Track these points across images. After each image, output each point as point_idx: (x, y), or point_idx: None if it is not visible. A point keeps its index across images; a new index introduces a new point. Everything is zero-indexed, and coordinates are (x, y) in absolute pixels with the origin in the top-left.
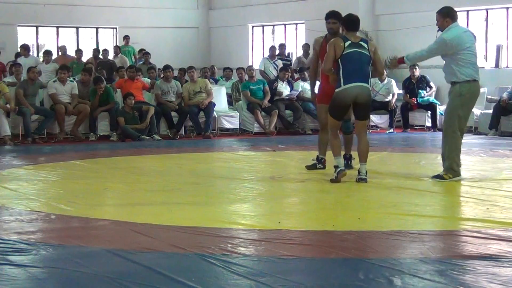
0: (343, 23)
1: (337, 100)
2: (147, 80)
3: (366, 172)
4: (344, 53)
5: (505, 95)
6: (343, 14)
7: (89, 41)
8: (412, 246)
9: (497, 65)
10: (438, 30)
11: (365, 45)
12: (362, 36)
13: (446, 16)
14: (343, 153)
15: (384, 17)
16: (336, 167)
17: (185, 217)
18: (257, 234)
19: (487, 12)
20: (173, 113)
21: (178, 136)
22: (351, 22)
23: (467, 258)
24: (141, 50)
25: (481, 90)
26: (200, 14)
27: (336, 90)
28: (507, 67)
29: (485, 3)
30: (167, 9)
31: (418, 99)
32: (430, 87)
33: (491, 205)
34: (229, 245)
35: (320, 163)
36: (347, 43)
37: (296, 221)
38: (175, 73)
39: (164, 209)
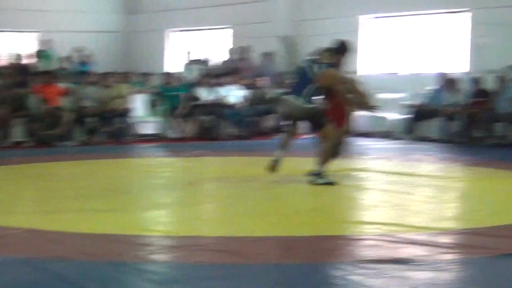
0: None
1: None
2: (64, 85)
3: (319, 174)
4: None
5: (420, 101)
6: (267, 21)
7: (9, 45)
8: (327, 251)
9: (413, 71)
10: None
11: (316, 68)
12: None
13: None
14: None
15: (306, 23)
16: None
17: (99, 224)
18: (172, 241)
19: (408, 18)
20: (90, 119)
21: (95, 142)
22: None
23: (381, 262)
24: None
25: (397, 95)
26: (120, 18)
27: None
28: (423, 73)
29: (407, 9)
30: (88, 13)
31: None
32: None
33: (404, 209)
34: (143, 252)
35: None
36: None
37: (212, 227)
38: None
39: (79, 216)
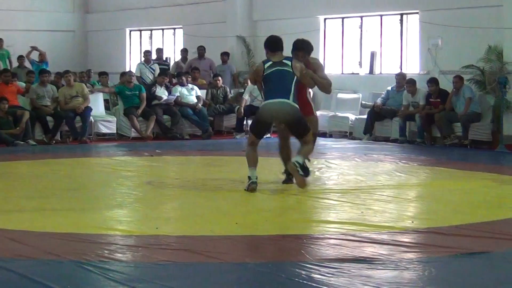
0: (265, 45)
1: (257, 116)
2: (22, 84)
3: (302, 164)
4: (264, 74)
5: (378, 101)
6: (222, 21)
7: None
8: (289, 250)
9: (371, 72)
10: None
11: (288, 63)
12: (285, 56)
13: None
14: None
15: (261, 23)
16: (249, 178)
17: (61, 224)
18: (134, 240)
19: (361, 19)
20: (49, 118)
21: (54, 141)
22: (272, 43)
23: (343, 261)
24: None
25: (355, 95)
26: (77, 17)
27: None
28: (380, 73)
29: (360, 11)
30: (43, 12)
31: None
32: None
33: (365, 209)
34: (106, 251)
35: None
36: (267, 64)
37: (173, 226)
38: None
39: (40, 215)
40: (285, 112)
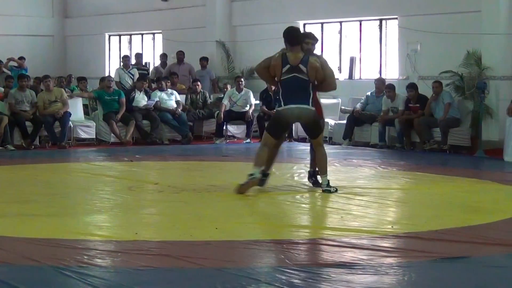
0: (284, 38)
1: (276, 118)
2: (0, 90)
3: (328, 183)
4: (282, 78)
5: (358, 106)
6: (202, 26)
7: None
8: (269, 255)
9: (350, 77)
10: None
11: (304, 69)
12: (302, 55)
13: None
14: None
15: (241, 28)
16: (250, 174)
17: (40, 229)
18: (113, 245)
19: (341, 24)
20: (28, 123)
21: (33, 146)
22: (291, 37)
23: (322, 266)
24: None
25: (335, 101)
26: (56, 22)
27: (277, 108)
28: (360, 78)
29: (339, 16)
30: (21, 16)
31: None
32: None
33: (345, 214)
34: (85, 257)
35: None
36: (285, 68)
37: (153, 231)
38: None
39: (18, 220)
40: (306, 116)
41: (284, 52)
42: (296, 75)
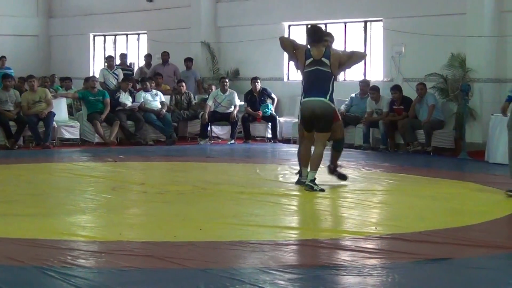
0: (306, 36)
1: (300, 113)
2: None
3: (313, 180)
4: (304, 70)
5: (342, 108)
6: (187, 27)
7: None
8: (253, 256)
9: (335, 78)
10: None
11: (327, 61)
12: (324, 47)
13: None
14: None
15: (226, 29)
16: (299, 173)
17: (24, 229)
18: (97, 245)
19: (325, 26)
20: (11, 123)
21: (17, 146)
22: (313, 35)
23: (306, 267)
24: None
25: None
26: (40, 22)
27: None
28: (344, 80)
29: (324, 18)
30: (5, 16)
31: (262, 111)
32: (272, 99)
33: (329, 215)
34: (69, 257)
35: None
36: (308, 61)
37: (137, 232)
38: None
39: (1, 221)
40: (322, 109)
41: (307, 48)
42: (319, 68)
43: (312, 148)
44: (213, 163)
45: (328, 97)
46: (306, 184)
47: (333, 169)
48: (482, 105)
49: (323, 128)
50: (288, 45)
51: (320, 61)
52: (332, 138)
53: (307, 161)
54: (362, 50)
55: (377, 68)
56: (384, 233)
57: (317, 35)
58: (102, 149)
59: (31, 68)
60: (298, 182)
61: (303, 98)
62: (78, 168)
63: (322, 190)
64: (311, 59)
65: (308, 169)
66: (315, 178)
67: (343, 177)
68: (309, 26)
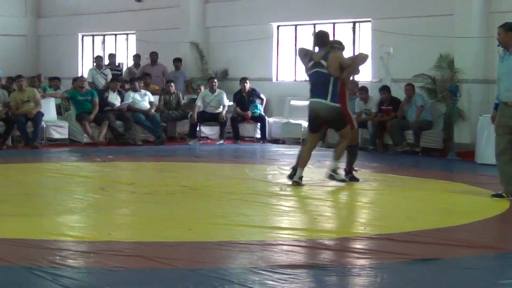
0: (313, 40)
1: (308, 113)
2: None
3: (335, 170)
4: (307, 73)
5: None
6: (176, 27)
7: None
8: (241, 256)
9: None
10: (499, 45)
11: (324, 63)
12: (325, 50)
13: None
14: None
15: (215, 30)
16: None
17: (12, 229)
18: (86, 246)
19: (314, 26)
20: (0, 123)
21: (5, 146)
22: (317, 39)
23: (295, 268)
24: None
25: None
26: (29, 22)
27: None
28: None
29: (313, 18)
30: None
31: (251, 111)
32: (261, 99)
33: (318, 215)
34: (58, 257)
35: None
36: (310, 63)
37: (126, 232)
38: (3, 81)
39: None
40: (324, 111)
41: (313, 52)
42: (318, 70)
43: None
44: (202, 163)
45: (329, 98)
46: (328, 174)
47: (347, 172)
48: (470, 105)
49: (338, 127)
50: (302, 54)
51: (319, 63)
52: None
53: (305, 162)
54: (366, 52)
55: (365, 68)
56: (373, 234)
57: (319, 40)
58: (90, 149)
59: (19, 68)
60: (289, 177)
61: (310, 98)
62: (67, 168)
63: (344, 180)
64: (312, 62)
65: (332, 160)
66: (337, 168)
67: (355, 180)
68: (317, 31)
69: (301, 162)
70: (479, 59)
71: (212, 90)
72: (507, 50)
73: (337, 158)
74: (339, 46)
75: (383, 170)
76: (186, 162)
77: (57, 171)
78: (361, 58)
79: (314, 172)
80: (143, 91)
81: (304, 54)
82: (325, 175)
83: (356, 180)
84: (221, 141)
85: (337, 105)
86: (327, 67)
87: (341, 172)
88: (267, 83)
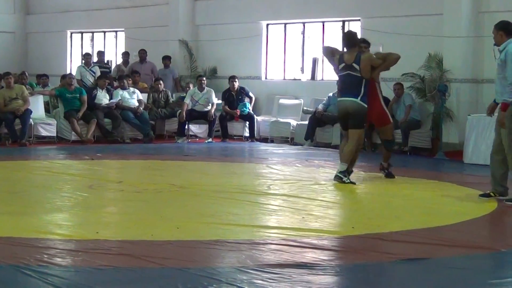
0: (343, 40)
1: (338, 112)
2: None
3: (343, 172)
4: (338, 74)
5: (320, 107)
6: (165, 25)
7: None
8: (230, 255)
9: (313, 78)
10: (495, 45)
11: (357, 67)
12: (356, 52)
13: (500, 29)
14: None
15: (204, 27)
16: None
17: (0, 227)
18: (74, 244)
19: (304, 25)
20: None
21: None
22: (347, 40)
23: (284, 267)
24: None
25: (297, 101)
26: (17, 18)
27: None
28: (322, 79)
29: (302, 17)
30: None
31: (240, 110)
32: (250, 98)
33: (306, 214)
34: (45, 256)
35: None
36: (341, 65)
37: (114, 231)
38: None
39: None
40: (353, 107)
41: (342, 53)
42: (350, 72)
43: None
44: (191, 162)
45: (359, 98)
46: (336, 175)
47: (383, 167)
48: (459, 105)
49: (354, 124)
50: (329, 53)
51: (351, 66)
52: (383, 138)
53: (347, 159)
54: (394, 55)
55: None
56: (361, 233)
57: (349, 41)
58: (79, 147)
59: (7, 65)
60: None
61: (338, 98)
62: (54, 166)
63: (353, 183)
64: (343, 64)
65: (339, 161)
66: (345, 171)
67: (390, 176)
68: (347, 32)
69: (342, 157)
70: (468, 59)
71: (201, 88)
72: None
73: (344, 161)
74: (366, 45)
75: (371, 169)
76: (174, 160)
77: (45, 168)
78: (393, 60)
79: (301, 171)
80: (131, 88)
81: (332, 54)
82: (334, 177)
83: (392, 176)
84: (210, 140)
85: (365, 105)
86: (360, 70)
87: (349, 174)
88: (256, 81)
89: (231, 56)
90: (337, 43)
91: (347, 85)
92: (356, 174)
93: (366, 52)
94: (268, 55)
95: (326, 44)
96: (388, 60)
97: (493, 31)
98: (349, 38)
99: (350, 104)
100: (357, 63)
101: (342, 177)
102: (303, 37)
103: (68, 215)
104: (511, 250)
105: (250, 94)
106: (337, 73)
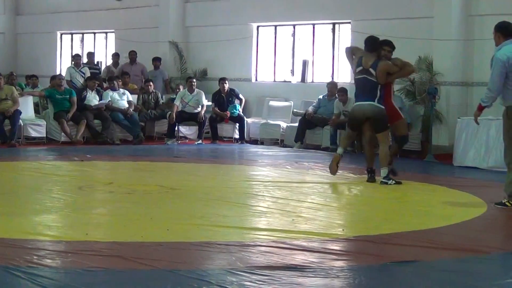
0: (364, 44)
1: (350, 114)
2: None
3: (386, 176)
4: (355, 77)
5: (310, 109)
6: (155, 26)
7: None
8: (220, 257)
9: (303, 80)
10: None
11: (373, 72)
12: (375, 58)
13: (497, 31)
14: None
15: (194, 29)
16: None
17: None
18: (64, 245)
19: (294, 27)
20: None
21: None
22: (367, 45)
23: (273, 269)
24: None
25: (287, 103)
26: (7, 19)
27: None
28: (312, 81)
29: (292, 19)
30: None
31: (230, 111)
32: (240, 100)
33: (296, 216)
34: (35, 257)
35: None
36: (358, 68)
37: (104, 232)
38: None
39: None
40: (370, 111)
41: (361, 55)
42: (366, 76)
43: None
44: (181, 163)
45: (376, 100)
46: (381, 182)
47: (369, 171)
48: (448, 108)
49: (379, 128)
50: (349, 53)
51: (367, 70)
52: (398, 134)
53: (344, 142)
54: (411, 66)
55: (345, 70)
56: (351, 235)
57: (370, 46)
58: (68, 148)
59: None
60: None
61: (355, 102)
62: (44, 167)
63: (399, 182)
64: (360, 68)
65: (380, 168)
66: (387, 175)
67: (393, 172)
68: (368, 36)
69: (381, 162)
70: (457, 62)
71: (191, 90)
72: None
73: (383, 165)
74: (390, 49)
75: (361, 171)
76: (164, 162)
77: (35, 170)
78: (409, 72)
79: (291, 173)
80: (121, 90)
81: (352, 55)
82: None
83: (394, 173)
84: (199, 141)
85: (383, 107)
86: (376, 76)
87: (394, 174)
88: (246, 83)
89: (221, 58)
90: (327, 46)
91: (363, 89)
92: (346, 176)
93: (389, 56)
94: (259, 57)
95: (348, 45)
96: (404, 70)
97: (492, 31)
98: (370, 42)
99: (370, 108)
100: (374, 68)
101: (387, 182)
102: (293, 39)
103: (58, 216)
104: (501, 253)
105: (240, 96)
106: (354, 77)
